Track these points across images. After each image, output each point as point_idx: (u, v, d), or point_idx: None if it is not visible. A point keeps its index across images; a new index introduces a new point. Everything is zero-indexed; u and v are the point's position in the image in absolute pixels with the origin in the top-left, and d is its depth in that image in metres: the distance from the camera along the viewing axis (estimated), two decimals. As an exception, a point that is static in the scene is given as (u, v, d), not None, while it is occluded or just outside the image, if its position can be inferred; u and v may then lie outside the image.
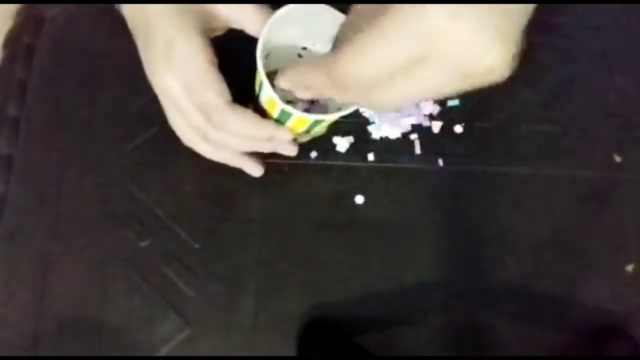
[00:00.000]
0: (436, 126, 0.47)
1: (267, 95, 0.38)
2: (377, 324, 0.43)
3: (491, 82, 0.33)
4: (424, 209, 0.46)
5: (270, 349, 0.42)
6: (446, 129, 0.47)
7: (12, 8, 0.49)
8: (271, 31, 0.38)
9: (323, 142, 0.46)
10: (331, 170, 0.46)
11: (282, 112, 0.39)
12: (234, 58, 0.38)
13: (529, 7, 0.33)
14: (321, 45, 0.42)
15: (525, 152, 0.47)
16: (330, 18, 0.38)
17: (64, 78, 0.47)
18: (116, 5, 0.42)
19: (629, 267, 0.45)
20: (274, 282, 0.43)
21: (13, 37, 0.49)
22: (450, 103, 0.48)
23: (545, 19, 0.50)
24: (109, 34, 0.48)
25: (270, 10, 0.39)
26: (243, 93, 0.40)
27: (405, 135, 0.47)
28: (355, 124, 0.47)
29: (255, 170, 0.44)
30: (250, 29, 0.40)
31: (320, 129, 0.43)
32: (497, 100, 0.48)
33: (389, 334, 0.43)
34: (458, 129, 0.47)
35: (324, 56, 0.33)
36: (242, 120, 0.39)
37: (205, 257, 0.44)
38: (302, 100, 0.44)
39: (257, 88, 0.41)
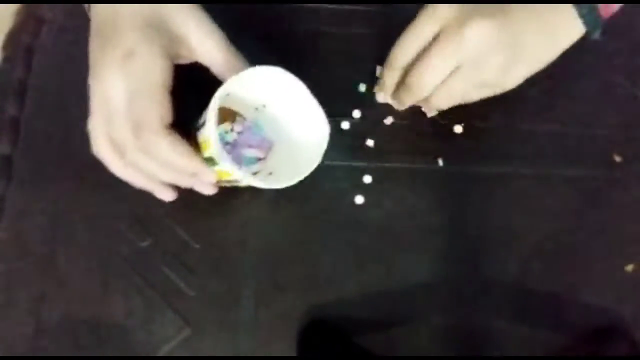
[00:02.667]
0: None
1: (206, 135, 0.38)
2: (377, 324, 0.43)
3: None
4: (424, 209, 0.46)
5: (270, 349, 0.42)
6: (446, 129, 0.47)
7: (12, 8, 0.49)
8: (232, 86, 0.38)
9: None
10: (331, 170, 0.46)
11: (210, 158, 0.38)
12: (191, 87, 0.38)
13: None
14: (276, 105, 0.42)
15: (525, 152, 0.47)
16: (290, 83, 0.39)
17: (64, 78, 0.47)
18: (85, 6, 0.41)
19: (629, 267, 0.45)
20: (274, 282, 0.43)
21: (12, 37, 0.49)
22: (450, 103, 0.48)
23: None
24: (108, 34, 0.48)
25: (239, 54, 0.40)
26: (185, 120, 0.40)
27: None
28: (355, 124, 0.47)
29: (167, 195, 0.42)
30: (214, 68, 0.40)
31: (243, 184, 0.42)
32: (497, 100, 0.48)
33: (389, 334, 0.43)
34: (458, 129, 0.47)
35: None
36: (173, 149, 0.37)
37: (205, 257, 0.44)
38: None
39: (199, 122, 0.40)
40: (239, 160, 0.43)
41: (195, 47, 0.39)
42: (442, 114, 0.47)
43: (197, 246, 0.44)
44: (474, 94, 0.43)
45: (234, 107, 0.44)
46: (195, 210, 0.45)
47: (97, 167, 0.45)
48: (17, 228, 0.44)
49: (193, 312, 0.43)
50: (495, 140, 0.48)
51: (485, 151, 0.47)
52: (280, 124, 0.43)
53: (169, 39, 0.38)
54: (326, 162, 0.46)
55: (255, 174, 0.43)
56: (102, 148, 0.39)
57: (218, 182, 0.41)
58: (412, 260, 0.44)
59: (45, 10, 0.49)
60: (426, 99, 0.42)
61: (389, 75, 0.43)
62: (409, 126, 0.47)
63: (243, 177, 0.38)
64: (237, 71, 0.38)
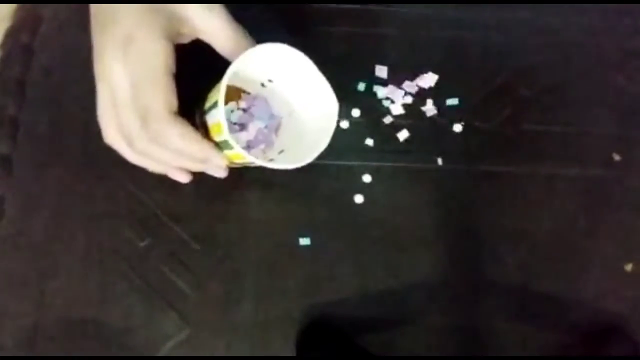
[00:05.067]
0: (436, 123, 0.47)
1: (216, 119, 0.37)
2: (377, 324, 0.43)
3: None
4: (424, 208, 0.46)
5: (270, 349, 0.42)
6: (446, 129, 0.47)
7: (9, 8, 0.49)
8: (239, 65, 0.37)
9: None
10: (331, 170, 0.46)
11: (225, 142, 0.38)
12: (193, 66, 0.37)
13: None
14: (283, 81, 0.42)
15: (525, 152, 0.47)
16: (297, 59, 0.39)
17: (62, 78, 0.47)
18: None
19: (629, 267, 0.45)
20: (274, 282, 0.43)
21: (10, 36, 0.49)
22: (450, 103, 0.48)
23: (545, 20, 0.50)
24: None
25: (244, 31, 0.39)
26: (190, 104, 0.39)
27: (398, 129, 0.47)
28: (355, 123, 0.47)
29: (183, 178, 0.42)
30: (218, 47, 0.39)
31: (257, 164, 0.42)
32: (497, 100, 0.48)
33: (389, 334, 0.43)
34: (458, 128, 0.47)
35: None
36: (181, 136, 0.37)
37: (205, 257, 0.44)
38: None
39: (207, 104, 0.39)
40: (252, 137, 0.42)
41: (198, 24, 0.38)
42: (442, 113, 0.47)
43: (197, 246, 0.44)
44: None
45: (239, 84, 0.43)
46: (195, 210, 0.45)
47: (97, 167, 0.45)
48: (17, 228, 0.44)
49: (193, 312, 0.43)
50: (495, 140, 0.48)
51: (485, 151, 0.47)
52: (288, 101, 0.43)
53: (168, 18, 0.37)
54: (326, 162, 0.46)
55: (265, 151, 0.43)
56: (112, 138, 0.39)
57: (230, 164, 0.41)
58: (411, 260, 0.44)
59: (44, 8, 0.49)
60: None
61: None
62: (408, 126, 0.47)
63: (255, 161, 0.37)
64: (243, 48, 0.37)
